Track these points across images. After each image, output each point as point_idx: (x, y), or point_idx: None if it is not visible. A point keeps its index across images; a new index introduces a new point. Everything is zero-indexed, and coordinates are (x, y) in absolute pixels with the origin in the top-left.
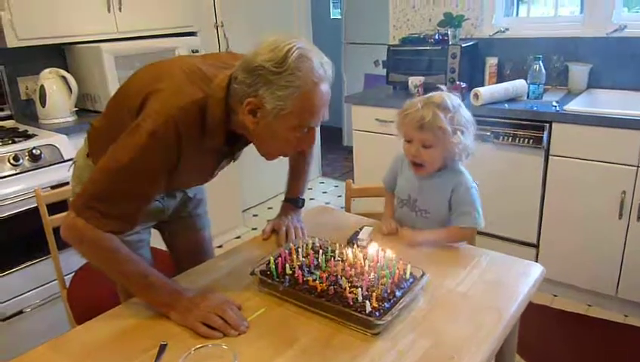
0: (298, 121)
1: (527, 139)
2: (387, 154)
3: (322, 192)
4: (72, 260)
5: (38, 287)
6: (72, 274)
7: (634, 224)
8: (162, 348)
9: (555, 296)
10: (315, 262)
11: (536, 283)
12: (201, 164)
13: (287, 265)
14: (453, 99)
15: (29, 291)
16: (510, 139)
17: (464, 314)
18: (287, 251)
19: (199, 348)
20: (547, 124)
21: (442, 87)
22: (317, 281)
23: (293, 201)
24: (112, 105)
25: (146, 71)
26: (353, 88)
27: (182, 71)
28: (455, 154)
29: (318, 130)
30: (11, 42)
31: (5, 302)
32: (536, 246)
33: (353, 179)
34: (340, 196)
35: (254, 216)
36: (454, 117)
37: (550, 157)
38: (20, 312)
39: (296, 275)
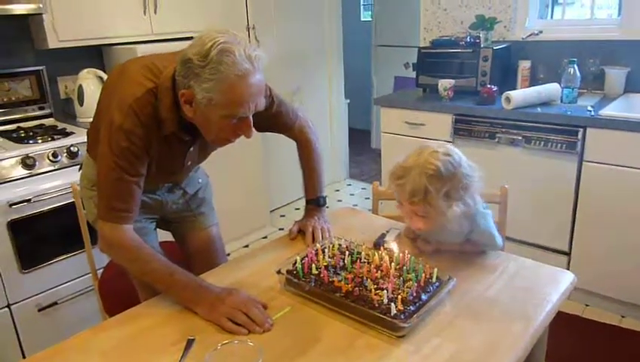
0: (227, 111)
1: (560, 144)
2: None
3: (350, 194)
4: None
5: (72, 280)
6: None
7: None
8: (190, 343)
9: (587, 305)
10: (341, 263)
11: (567, 291)
12: (170, 152)
13: (314, 266)
14: (448, 163)
15: (63, 283)
16: (542, 144)
17: (491, 320)
18: (313, 251)
19: (226, 343)
20: (581, 129)
21: (431, 144)
22: (342, 282)
23: (314, 202)
24: (98, 103)
25: (115, 70)
26: (383, 90)
27: (138, 67)
28: (453, 226)
29: (344, 125)
30: (53, 43)
31: (41, 293)
32: (568, 253)
33: (380, 182)
34: (367, 198)
35: (282, 216)
36: (450, 190)
37: (584, 163)
38: (55, 303)
39: (322, 275)
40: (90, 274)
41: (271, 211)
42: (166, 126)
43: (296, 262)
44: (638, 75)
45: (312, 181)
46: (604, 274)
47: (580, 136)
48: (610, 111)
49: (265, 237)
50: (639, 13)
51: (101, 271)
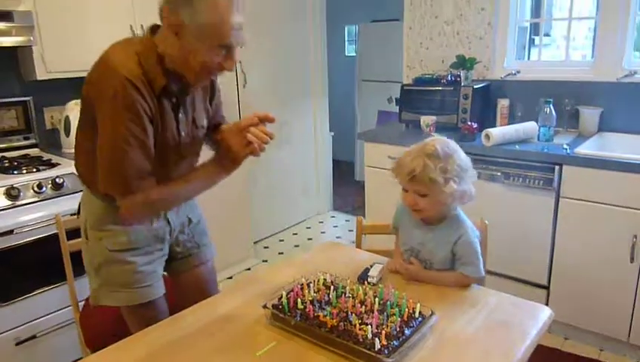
0: (217, 39)
1: (537, 181)
2: (399, 191)
3: (333, 226)
4: (86, 287)
5: (51, 313)
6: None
7: None
8: None
9: (567, 338)
10: (326, 298)
11: (545, 326)
12: (165, 122)
13: (299, 300)
14: (446, 146)
15: (43, 316)
16: (521, 180)
17: (472, 355)
18: (299, 286)
19: None
20: (558, 166)
21: (435, 134)
22: (327, 317)
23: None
24: (82, 111)
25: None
26: (367, 124)
27: (113, 46)
28: (450, 202)
29: (328, 157)
30: (41, 75)
31: (20, 326)
32: (547, 287)
33: (364, 215)
34: (351, 230)
35: (265, 247)
36: (446, 166)
37: (561, 199)
38: (34, 337)
39: (307, 310)
40: (71, 307)
41: (254, 243)
42: (157, 82)
43: (281, 297)
44: (611, 115)
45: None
46: (582, 308)
47: (556, 173)
48: (584, 149)
49: (248, 269)
50: (611, 56)
51: (82, 303)
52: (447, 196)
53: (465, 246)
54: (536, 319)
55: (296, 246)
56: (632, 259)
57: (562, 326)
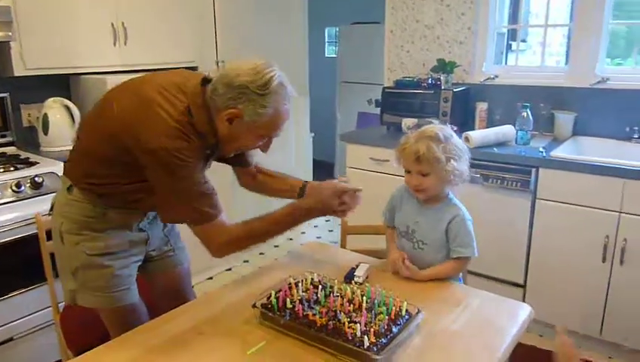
0: (266, 132)
1: (515, 183)
2: (380, 192)
3: (314, 226)
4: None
5: (29, 314)
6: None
7: (617, 268)
8: None
9: (541, 335)
10: (315, 297)
11: (525, 323)
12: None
13: (288, 299)
14: (445, 130)
15: (21, 318)
16: (499, 182)
17: (458, 352)
18: (287, 286)
19: None
20: (534, 169)
21: (434, 120)
22: (317, 316)
23: (304, 184)
24: (89, 129)
25: (126, 98)
26: (347, 125)
27: (158, 93)
28: (451, 180)
29: (308, 158)
30: (19, 71)
31: None
32: (524, 286)
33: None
34: (331, 230)
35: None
36: (446, 146)
37: (537, 200)
38: (11, 339)
39: (296, 309)
40: (49, 309)
41: None
42: (208, 139)
43: (270, 296)
44: (584, 120)
45: (289, 179)
46: (557, 306)
47: (533, 175)
48: (560, 153)
49: (229, 269)
50: (585, 64)
51: (62, 304)
52: (448, 173)
53: (460, 225)
54: (516, 317)
55: (276, 246)
56: (603, 259)
57: (538, 324)
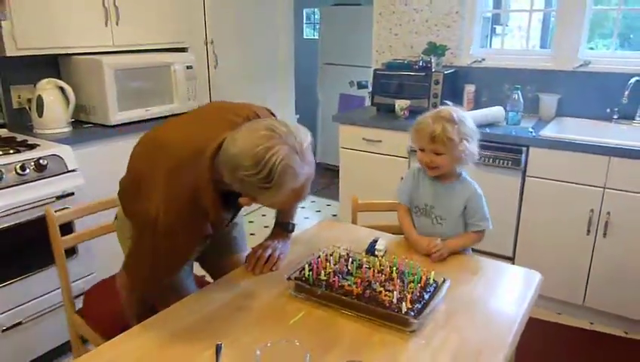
0: (280, 205)
1: (506, 161)
2: (373, 171)
3: (300, 207)
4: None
5: (37, 297)
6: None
7: (600, 240)
8: (219, 348)
9: None
10: (346, 269)
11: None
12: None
13: (322, 272)
14: (459, 112)
15: (29, 301)
16: (491, 161)
17: (481, 315)
18: (316, 259)
19: (275, 342)
20: (525, 148)
21: (449, 102)
22: (352, 286)
23: (282, 226)
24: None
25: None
26: (329, 107)
27: (166, 171)
28: (463, 160)
29: None
30: (10, 51)
31: (4, 313)
32: (512, 259)
33: (331, 197)
34: (318, 211)
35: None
36: (460, 128)
37: (527, 177)
38: (19, 323)
39: (331, 281)
40: (58, 290)
41: None
42: (210, 215)
43: (304, 269)
44: (567, 101)
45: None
46: (544, 276)
47: (523, 154)
48: (548, 132)
49: None
50: (568, 47)
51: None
52: (460, 152)
53: (478, 201)
54: (530, 282)
55: (266, 226)
56: (588, 232)
57: None
